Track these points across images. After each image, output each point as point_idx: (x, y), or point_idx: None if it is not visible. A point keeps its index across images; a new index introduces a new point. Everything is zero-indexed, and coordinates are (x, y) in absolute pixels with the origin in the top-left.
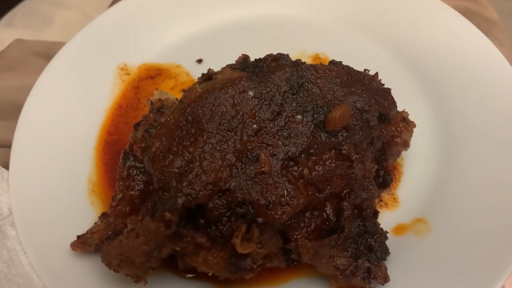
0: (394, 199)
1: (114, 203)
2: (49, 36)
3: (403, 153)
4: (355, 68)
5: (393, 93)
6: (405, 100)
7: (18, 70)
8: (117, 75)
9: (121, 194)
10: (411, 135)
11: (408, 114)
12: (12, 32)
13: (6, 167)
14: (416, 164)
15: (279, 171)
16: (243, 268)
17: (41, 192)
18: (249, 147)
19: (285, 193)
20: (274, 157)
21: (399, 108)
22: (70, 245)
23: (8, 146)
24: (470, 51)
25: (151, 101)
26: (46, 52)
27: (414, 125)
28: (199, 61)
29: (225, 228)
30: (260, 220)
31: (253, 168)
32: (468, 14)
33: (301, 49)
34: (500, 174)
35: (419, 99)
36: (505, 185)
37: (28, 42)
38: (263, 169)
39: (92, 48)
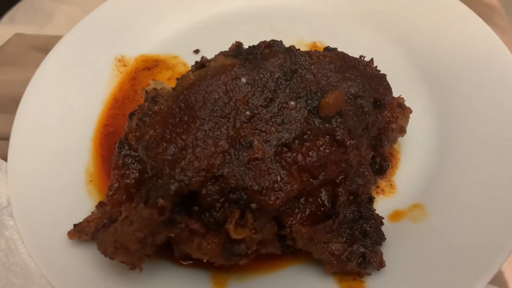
0: (391, 185)
1: (111, 192)
2: (50, 31)
3: (400, 139)
4: (352, 55)
5: (389, 79)
6: (401, 86)
7: (17, 64)
8: (115, 67)
9: (117, 183)
10: (407, 121)
11: (404, 100)
12: (14, 28)
13: (5, 158)
14: (413, 150)
15: (272, 157)
16: (237, 254)
17: (39, 183)
18: (242, 134)
19: (279, 179)
20: (268, 143)
21: (396, 94)
22: (67, 234)
23: (7, 138)
24: (469, 37)
25: (146, 91)
26: (45, 46)
27: (411, 111)
28: (196, 51)
29: (218, 214)
30: (253, 206)
31: (246, 154)
32: (467, 0)
33: (298, 37)
34: (497, 160)
35: (415, 85)
36: (502, 170)
37: (28, 36)
38: (256, 155)
39: (89, 40)
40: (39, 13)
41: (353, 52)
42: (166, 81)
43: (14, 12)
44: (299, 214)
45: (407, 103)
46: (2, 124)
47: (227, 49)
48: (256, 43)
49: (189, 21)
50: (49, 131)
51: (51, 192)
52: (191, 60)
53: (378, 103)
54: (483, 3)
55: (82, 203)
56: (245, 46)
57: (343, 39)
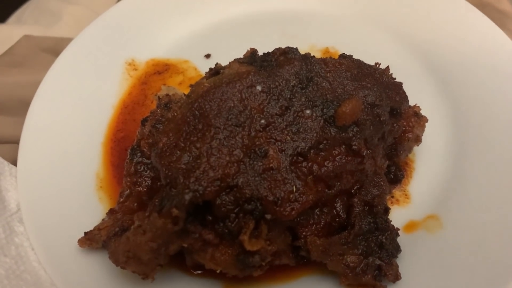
0: (406, 195)
1: (122, 199)
2: (58, 32)
3: (415, 148)
4: (366, 62)
5: (405, 87)
6: (417, 94)
7: (26, 66)
8: (125, 71)
9: (128, 190)
10: (423, 130)
11: (420, 109)
12: (21, 29)
13: (14, 163)
14: (428, 160)
15: (287, 167)
16: (251, 265)
17: (49, 189)
18: (257, 143)
19: (294, 189)
20: (283, 152)
21: (411, 103)
22: (78, 242)
23: (16, 142)
24: (483, 44)
25: (159, 97)
26: (54, 48)
27: (426, 120)
28: (207, 56)
29: (233, 225)
30: (268, 216)
31: (261, 164)
32: (481, 6)
33: (310, 43)
34: None
35: (431, 93)
36: None
37: (37, 38)
38: (271, 165)
39: (100, 43)
40: (46, 14)
41: (367, 58)
42: (177, 86)
43: (21, 12)
44: (314, 225)
45: (421, 112)
46: (11, 127)
47: (238, 54)
48: (268, 48)
49: (201, 26)
50: (59, 135)
51: (62, 197)
52: (202, 64)
53: (395, 112)
54: (497, 9)
55: (93, 209)
56: (258, 51)
57: (356, 45)
